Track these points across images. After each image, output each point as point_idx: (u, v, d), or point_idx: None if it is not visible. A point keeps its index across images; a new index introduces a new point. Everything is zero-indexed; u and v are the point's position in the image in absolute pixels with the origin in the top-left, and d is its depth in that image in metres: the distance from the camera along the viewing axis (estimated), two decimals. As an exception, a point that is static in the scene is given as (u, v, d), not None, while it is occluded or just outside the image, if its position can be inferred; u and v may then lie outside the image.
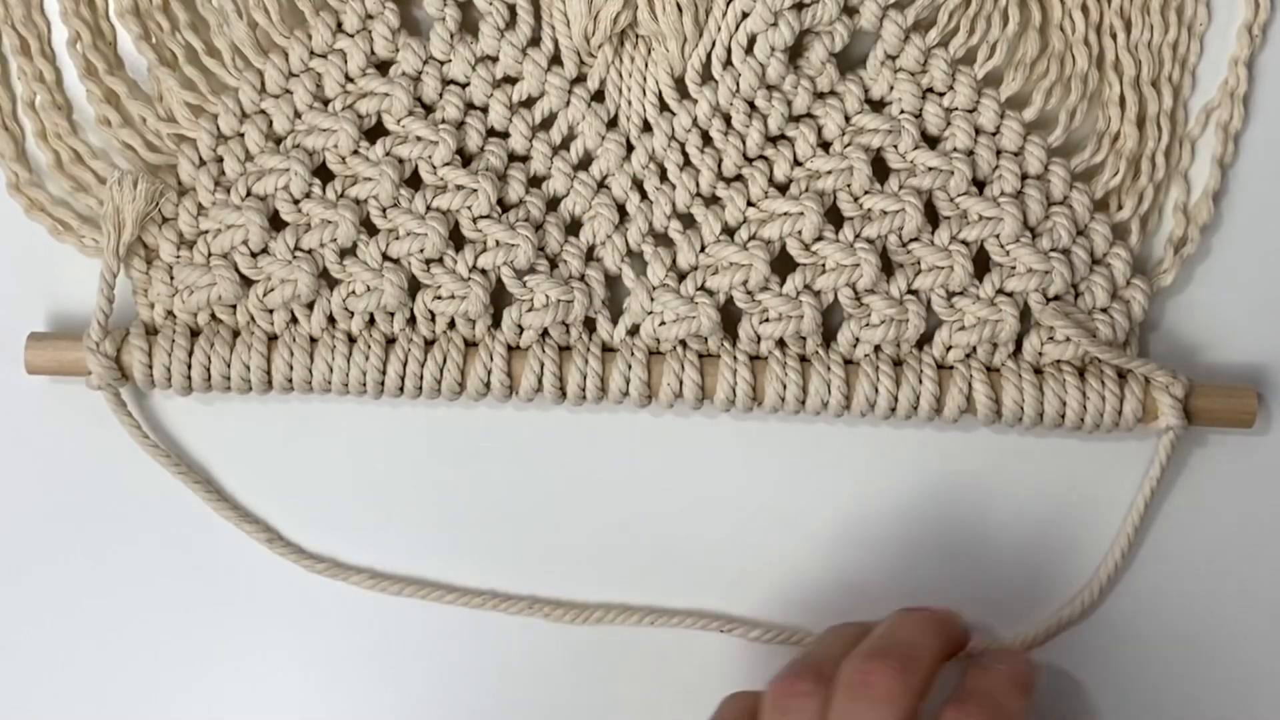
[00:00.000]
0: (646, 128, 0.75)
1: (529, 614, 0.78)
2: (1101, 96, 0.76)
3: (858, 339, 0.75)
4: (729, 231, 0.75)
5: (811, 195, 0.74)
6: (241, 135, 0.75)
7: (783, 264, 0.75)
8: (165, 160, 0.75)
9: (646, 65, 0.75)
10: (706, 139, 0.75)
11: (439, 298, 0.74)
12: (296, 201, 0.74)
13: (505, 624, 0.78)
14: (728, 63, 0.74)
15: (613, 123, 0.75)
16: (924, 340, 0.75)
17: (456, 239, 0.75)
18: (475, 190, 0.74)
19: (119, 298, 0.75)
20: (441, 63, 0.75)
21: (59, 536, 0.78)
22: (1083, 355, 0.75)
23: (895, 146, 0.75)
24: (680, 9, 0.73)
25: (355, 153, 0.74)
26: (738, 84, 0.74)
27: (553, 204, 0.75)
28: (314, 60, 0.75)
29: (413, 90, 0.74)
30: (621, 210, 0.75)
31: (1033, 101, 0.75)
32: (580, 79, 0.75)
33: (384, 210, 0.74)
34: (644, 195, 0.75)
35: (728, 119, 0.75)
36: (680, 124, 0.75)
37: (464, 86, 0.75)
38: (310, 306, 0.75)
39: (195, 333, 0.75)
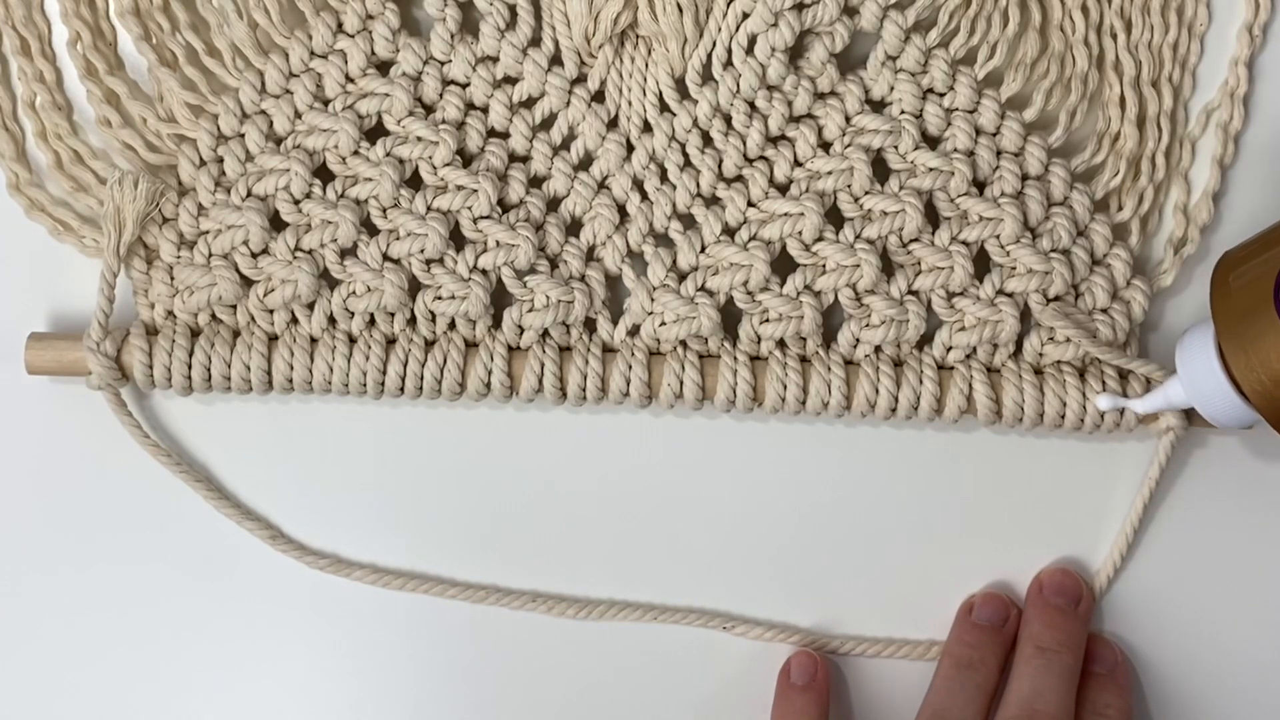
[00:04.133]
0: (647, 128, 0.75)
1: (531, 609, 0.78)
2: (1102, 97, 0.76)
3: (858, 339, 0.75)
4: (729, 232, 0.75)
5: (812, 196, 0.74)
6: (242, 135, 0.75)
7: (783, 264, 0.75)
8: (165, 160, 0.75)
9: (647, 66, 0.74)
10: (707, 139, 0.75)
11: (439, 298, 0.74)
12: (297, 202, 0.74)
13: (507, 619, 0.78)
14: (728, 63, 0.74)
15: (613, 123, 0.75)
16: (924, 341, 0.75)
17: (457, 239, 0.75)
18: (476, 190, 0.74)
19: (119, 298, 0.75)
20: (442, 63, 0.75)
21: (59, 536, 0.78)
22: (1083, 356, 0.75)
23: (895, 147, 0.75)
24: (680, 9, 0.73)
25: (355, 153, 0.74)
26: (738, 84, 0.74)
27: (553, 204, 0.75)
28: (314, 60, 0.75)
29: (413, 90, 0.74)
30: (622, 211, 0.75)
31: (1033, 102, 0.75)
32: (580, 79, 0.75)
33: (384, 210, 0.74)
34: (644, 196, 0.75)
35: (728, 119, 0.75)
36: (680, 124, 0.75)
37: (464, 87, 0.75)
38: (310, 307, 0.75)
39: (195, 333, 0.75)
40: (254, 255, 0.74)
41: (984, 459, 0.78)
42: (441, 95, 0.75)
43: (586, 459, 0.78)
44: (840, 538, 0.78)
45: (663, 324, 0.75)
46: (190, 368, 0.74)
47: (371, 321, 0.75)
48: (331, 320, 0.75)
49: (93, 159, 0.76)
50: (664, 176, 0.75)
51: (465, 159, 0.75)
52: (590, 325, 0.76)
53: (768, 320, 0.75)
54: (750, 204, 0.75)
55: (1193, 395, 0.71)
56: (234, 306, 0.75)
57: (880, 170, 0.75)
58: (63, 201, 0.76)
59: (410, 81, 0.74)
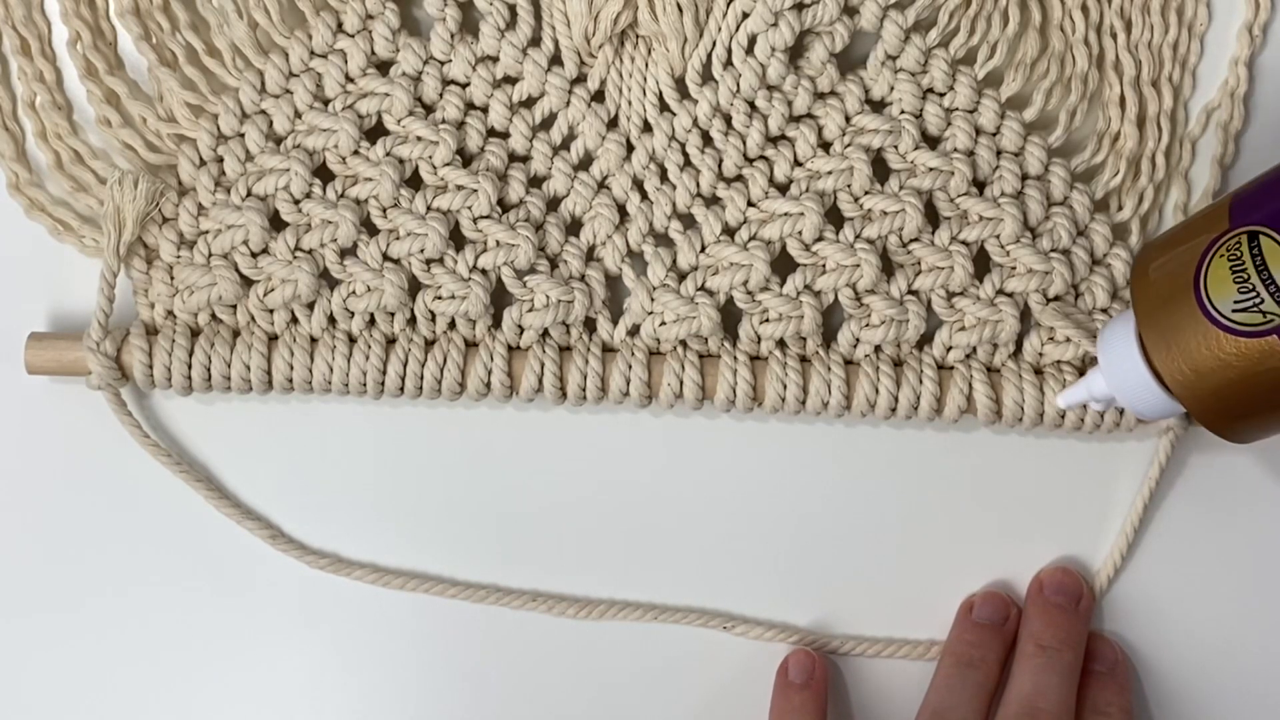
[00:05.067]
0: (647, 128, 0.75)
1: (531, 608, 0.78)
2: (1102, 97, 0.76)
3: (858, 339, 0.75)
4: (729, 232, 0.75)
5: (812, 195, 0.74)
6: (242, 135, 0.75)
7: (783, 264, 0.75)
8: (165, 160, 0.75)
9: (647, 65, 0.74)
10: (707, 139, 0.75)
11: (439, 298, 0.74)
12: (297, 201, 0.74)
13: (508, 618, 0.78)
14: (728, 63, 0.74)
15: (613, 123, 0.75)
16: (924, 340, 0.75)
17: (457, 239, 0.75)
18: (475, 190, 0.74)
19: (119, 298, 0.75)
20: (442, 63, 0.75)
21: (60, 536, 0.78)
22: (1083, 356, 0.75)
23: (895, 147, 0.75)
24: (680, 9, 0.73)
25: (355, 153, 0.74)
26: (738, 84, 0.74)
27: (553, 204, 0.75)
28: (314, 60, 0.75)
29: (413, 90, 0.74)
30: (622, 210, 0.75)
31: (1033, 102, 0.75)
32: (580, 79, 0.75)
33: (384, 210, 0.74)
34: (644, 195, 0.75)
35: (728, 119, 0.75)
36: (680, 124, 0.75)
37: (464, 86, 0.75)
38: (310, 306, 0.75)
39: (195, 333, 0.75)
40: (254, 255, 0.74)
41: (984, 459, 0.78)
42: (441, 95, 0.75)
43: (586, 459, 0.78)
44: (840, 537, 0.78)
45: (663, 324, 0.75)
46: (190, 368, 0.74)
47: (371, 321, 0.75)
48: (331, 320, 0.75)
49: (93, 159, 0.76)
50: (664, 176, 0.75)
51: (465, 159, 0.75)
52: (590, 325, 0.76)
53: (768, 320, 0.75)
54: (750, 204, 0.75)
55: (1114, 386, 0.70)
56: (234, 306, 0.75)
57: (880, 170, 0.75)
58: (63, 201, 0.76)
59: (410, 81, 0.74)
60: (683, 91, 0.75)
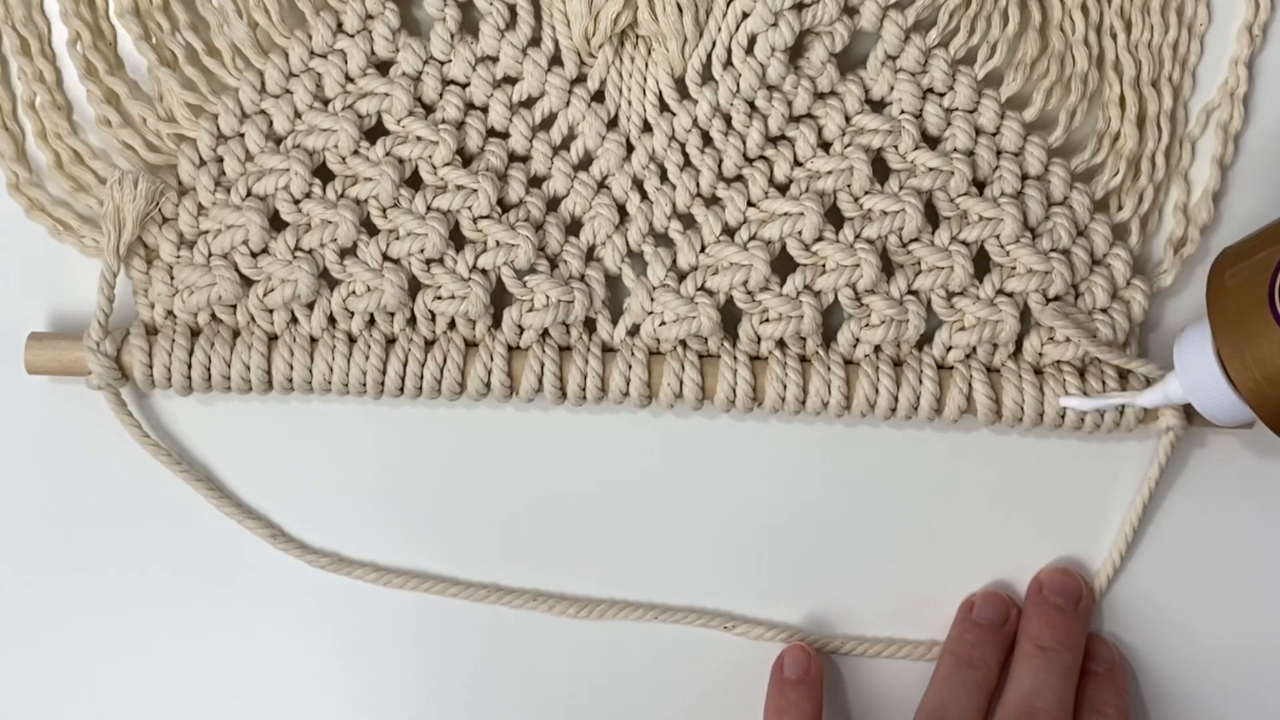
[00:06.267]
0: (647, 128, 0.75)
1: (532, 608, 0.78)
2: (1101, 97, 0.76)
3: (858, 339, 0.75)
4: (729, 232, 0.75)
5: (812, 195, 0.74)
6: (241, 135, 0.75)
7: (783, 264, 0.75)
8: (165, 160, 0.75)
9: (646, 65, 0.74)
10: (707, 139, 0.75)
11: (439, 298, 0.74)
12: (297, 201, 0.74)
13: (509, 618, 0.78)
14: (728, 63, 0.74)
15: (613, 123, 0.75)
16: (924, 340, 0.75)
17: (457, 239, 0.75)
18: (475, 190, 0.74)
19: (119, 298, 0.75)
20: (442, 63, 0.75)
21: (60, 536, 0.78)
22: (1083, 356, 0.75)
23: (895, 147, 0.75)
24: (680, 9, 0.73)
25: (355, 153, 0.74)
26: (738, 84, 0.74)
27: (553, 204, 0.75)
28: (314, 60, 0.75)
29: (413, 90, 0.74)
30: (622, 210, 0.75)
31: (1033, 102, 0.75)
32: (580, 79, 0.75)
33: (384, 210, 0.74)
34: (644, 195, 0.75)
35: (728, 119, 0.75)
36: (680, 124, 0.75)
37: (464, 86, 0.75)
38: (310, 306, 0.75)
39: (195, 333, 0.75)
40: (254, 255, 0.74)
41: (984, 459, 0.78)
42: (441, 95, 0.75)
43: (586, 459, 0.78)
44: (840, 538, 0.78)
45: (663, 324, 0.75)
46: (190, 367, 0.74)
47: (371, 321, 0.75)
48: (331, 320, 0.75)
49: (93, 159, 0.76)
50: (664, 176, 0.75)
51: (465, 159, 0.75)
52: (590, 325, 0.76)
53: (768, 320, 0.75)
54: (750, 204, 0.75)
55: (1190, 392, 0.71)
56: (234, 306, 0.75)
57: (880, 170, 0.75)
58: (63, 201, 0.76)
59: (410, 81, 0.74)
60: (683, 91, 0.75)
